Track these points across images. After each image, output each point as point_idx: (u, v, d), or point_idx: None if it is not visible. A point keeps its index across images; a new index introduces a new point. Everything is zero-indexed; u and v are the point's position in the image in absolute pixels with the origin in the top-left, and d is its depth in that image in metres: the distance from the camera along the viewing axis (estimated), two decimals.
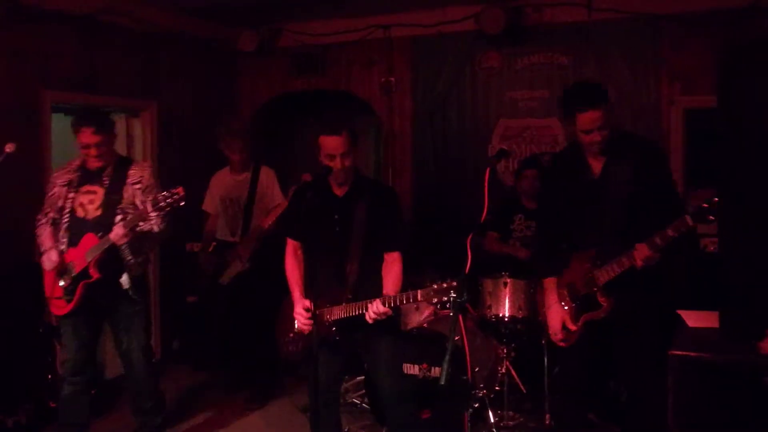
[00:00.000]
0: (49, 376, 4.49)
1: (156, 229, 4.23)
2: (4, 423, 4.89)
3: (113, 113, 6.37)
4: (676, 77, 5.91)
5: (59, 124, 5.67)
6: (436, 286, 3.36)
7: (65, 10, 5.70)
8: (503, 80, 6.60)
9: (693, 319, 3.45)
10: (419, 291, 3.48)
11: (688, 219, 3.27)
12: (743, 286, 3.04)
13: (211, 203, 6.05)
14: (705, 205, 3.23)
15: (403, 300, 3.59)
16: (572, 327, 3.71)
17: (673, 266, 3.65)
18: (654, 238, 3.37)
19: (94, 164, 4.28)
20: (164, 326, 6.86)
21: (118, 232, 4.04)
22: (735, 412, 2.58)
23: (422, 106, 6.98)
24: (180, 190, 3.94)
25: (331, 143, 3.79)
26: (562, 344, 3.82)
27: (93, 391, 4.78)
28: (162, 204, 3.91)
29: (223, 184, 5.99)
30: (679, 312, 3.54)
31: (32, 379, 5.04)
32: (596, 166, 3.70)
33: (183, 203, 3.96)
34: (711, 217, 3.22)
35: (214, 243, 5.96)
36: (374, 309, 3.63)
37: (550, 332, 3.83)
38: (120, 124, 6.52)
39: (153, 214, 4.04)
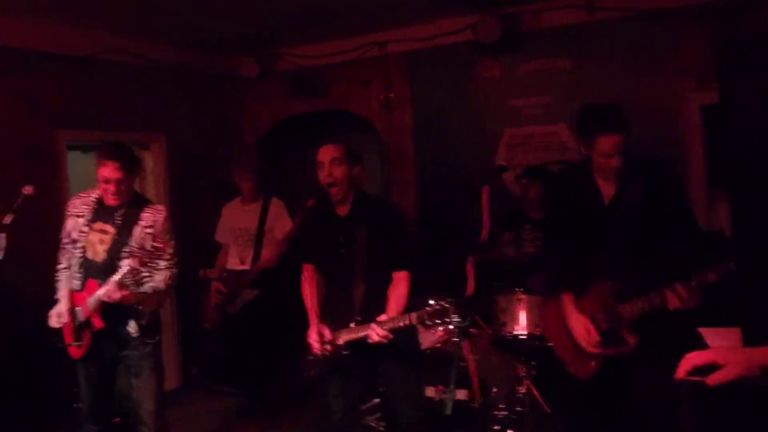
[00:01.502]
0: (77, 406, 4.42)
1: (163, 285, 4.11)
2: None
3: None
4: (686, 73, 5.59)
5: (75, 162, 5.95)
6: (429, 309, 3.29)
7: (66, 52, 5.84)
8: (505, 89, 6.41)
9: (713, 337, 3.26)
10: (414, 314, 3.41)
11: (732, 264, 3.07)
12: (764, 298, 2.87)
13: (223, 234, 6.21)
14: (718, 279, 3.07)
15: (399, 323, 3.52)
16: (596, 337, 3.49)
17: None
18: (690, 282, 3.17)
19: (109, 201, 4.09)
20: (183, 352, 6.97)
21: (108, 292, 3.86)
22: None
23: (423, 121, 6.84)
24: (163, 245, 3.97)
25: (323, 151, 3.77)
26: (580, 376, 3.61)
27: (116, 420, 4.77)
28: (146, 260, 3.89)
29: (233, 214, 6.13)
30: (700, 329, 3.36)
31: (60, 408, 5.01)
32: (607, 190, 3.54)
33: (171, 251, 3.99)
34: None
35: (225, 273, 6.03)
36: (373, 335, 3.55)
37: (582, 341, 3.54)
38: None
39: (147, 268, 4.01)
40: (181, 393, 6.74)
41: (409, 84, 6.87)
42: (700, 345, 3.27)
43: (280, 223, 5.83)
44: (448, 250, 5.86)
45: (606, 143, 3.35)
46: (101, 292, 3.87)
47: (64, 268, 4.22)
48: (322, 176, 3.76)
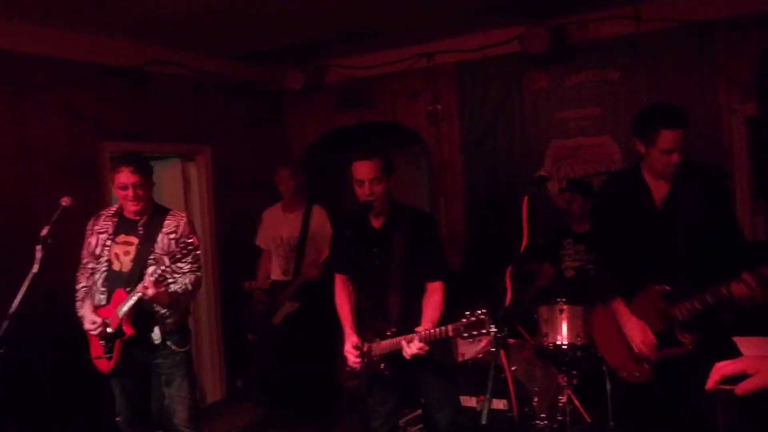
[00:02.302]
0: (117, 419, 4.45)
1: (190, 287, 4.19)
2: None
3: (169, 159, 6.71)
4: (733, 85, 5.62)
5: None
6: (465, 320, 3.34)
7: (114, 64, 5.92)
8: (552, 100, 6.47)
9: (748, 346, 3.27)
10: (450, 326, 3.46)
11: None
12: None
13: (263, 239, 6.19)
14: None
15: (434, 335, 3.58)
16: (653, 349, 3.54)
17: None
18: (749, 277, 3.21)
19: (131, 208, 4.18)
20: (227, 364, 6.99)
21: (146, 287, 3.91)
22: None
23: (471, 132, 6.90)
24: (195, 239, 3.97)
25: (361, 168, 3.81)
26: (632, 379, 3.66)
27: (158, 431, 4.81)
28: (178, 256, 3.90)
29: (274, 221, 6.10)
30: (735, 339, 3.37)
31: (98, 419, 4.98)
32: (658, 193, 3.61)
33: (198, 252, 3.98)
34: None
35: (270, 281, 6.04)
36: (410, 349, 3.61)
37: (638, 346, 3.58)
38: (176, 168, 6.79)
39: (179, 268, 4.08)
40: (224, 405, 6.81)
41: (456, 95, 6.94)
42: (734, 353, 3.28)
43: (323, 232, 5.68)
44: (493, 262, 5.93)
45: (668, 137, 3.43)
46: (138, 289, 3.94)
47: (84, 286, 4.30)
48: (362, 193, 3.83)
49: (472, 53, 6.68)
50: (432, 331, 3.60)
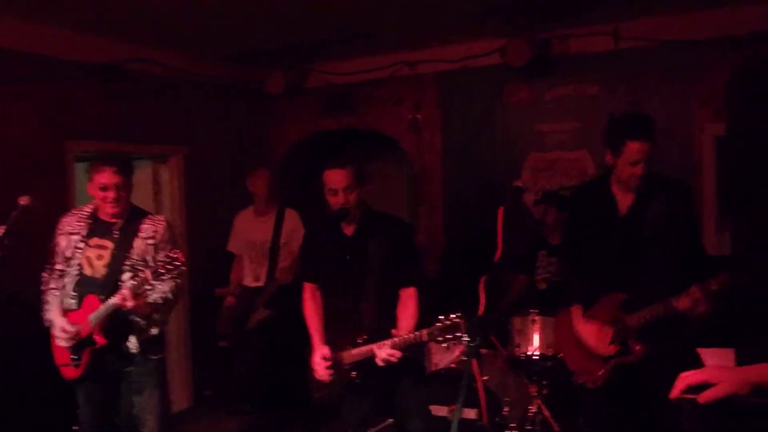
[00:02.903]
0: (75, 428, 4.28)
1: (170, 296, 4.05)
2: None
3: (140, 160, 6.53)
4: (706, 104, 5.80)
5: (84, 175, 5.74)
6: (440, 324, 3.37)
7: (86, 59, 5.80)
8: (532, 113, 6.59)
9: (711, 357, 3.38)
10: (424, 330, 3.49)
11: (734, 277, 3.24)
12: (757, 321, 2.97)
13: (235, 244, 6.16)
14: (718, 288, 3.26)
15: (410, 340, 3.62)
16: (608, 347, 3.67)
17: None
18: (696, 290, 3.35)
19: (110, 210, 4.03)
20: (196, 373, 6.89)
21: (124, 297, 3.76)
22: None
23: (451, 142, 7.00)
24: (179, 255, 3.75)
25: (333, 177, 3.83)
26: (588, 385, 3.77)
27: None
28: (161, 271, 3.71)
29: (246, 225, 6.10)
30: (698, 350, 3.47)
31: (58, 429, 4.92)
32: (624, 202, 3.73)
33: (184, 268, 3.78)
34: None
35: (241, 289, 6.03)
36: (381, 354, 3.65)
37: (593, 344, 3.73)
38: (147, 170, 6.66)
39: (155, 281, 3.83)
40: (192, 414, 6.70)
41: (438, 105, 7.02)
42: (698, 364, 3.38)
43: (297, 236, 5.52)
44: (470, 270, 6.00)
45: (634, 149, 3.54)
46: (116, 299, 3.79)
47: (54, 288, 4.12)
48: (335, 202, 3.86)
49: (454, 63, 6.76)
50: (406, 336, 3.64)
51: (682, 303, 3.41)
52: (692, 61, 5.81)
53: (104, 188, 3.98)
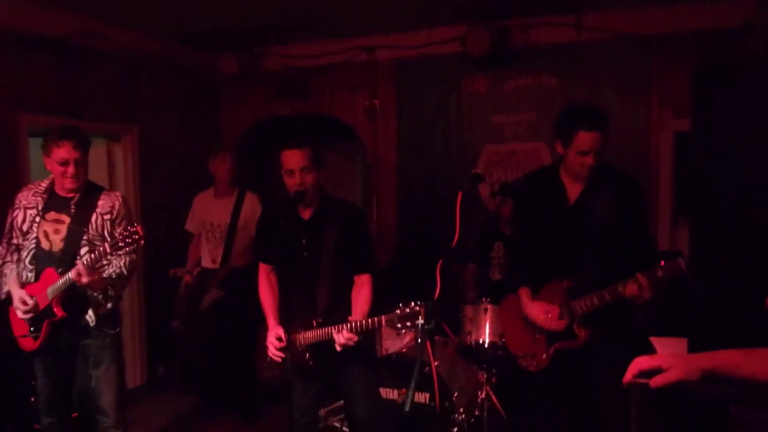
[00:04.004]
0: (32, 399, 4.40)
1: (125, 271, 4.11)
2: None
3: (94, 138, 6.44)
4: (666, 100, 5.90)
5: (38, 150, 5.66)
6: (399, 312, 3.40)
7: (40, 32, 5.68)
8: (489, 104, 6.64)
9: (663, 345, 3.48)
10: (383, 316, 3.52)
11: (681, 262, 3.32)
12: (710, 313, 3.06)
13: (193, 224, 6.16)
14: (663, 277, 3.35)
15: (368, 325, 3.65)
16: (558, 321, 3.74)
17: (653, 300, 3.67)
18: (642, 277, 3.42)
19: (69, 185, 4.04)
20: (149, 352, 6.95)
21: (79, 272, 3.79)
22: None
23: (407, 131, 7.02)
24: (138, 228, 3.72)
25: (291, 157, 3.81)
26: (531, 368, 3.87)
27: (74, 414, 4.73)
28: (120, 244, 3.70)
29: (206, 206, 6.08)
30: (651, 339, 3.57)
31: (16, 401, 5.02)
32: (573, 192, 3.78)
33: (142, 242, 3.75)
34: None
35: (199, 269, 6.03)
36: (340, 338, 3.69)
37: (542, 321, 3.79)
38: (101, 149, 6.62)
39: (113, 254, 3.85)
40: (144, 391, 6.80)
41: (395, 92, 7.03)
42: (650, 352, 3.47)
43: (255, 218, 5.28)
44: (422, 259, 6.05)
45: (584, 139, 3.58)
46: (71, 275, 3.82)
47: (8, 261, 4.20)
48: (292, 184, 3.85)
49: (413, 50, 6.78)
50: (364, 321, 3.68)
51: (629, 289, 3.47)
52: (653, 56, 5.91)
53: (64, 163, 3.97)
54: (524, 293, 3.92)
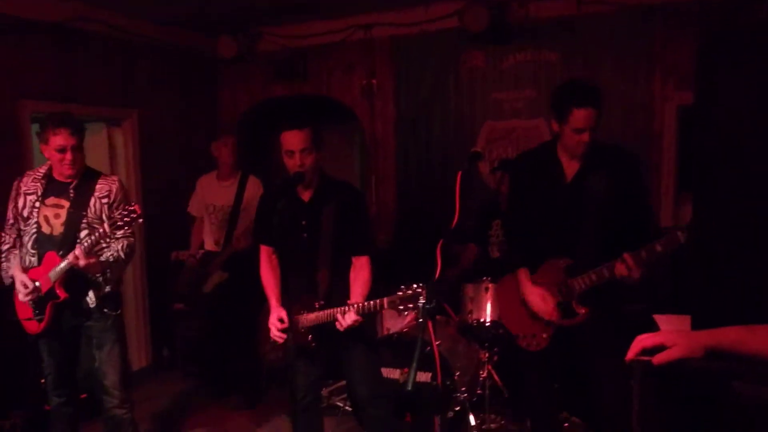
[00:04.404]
0: (42, 381, 4.49)
1: (122, 255, 4.19)
2: (0, 427, 5.06)
3: (94, 122, 6.58)
4: (669, 73, 5.82)
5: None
6: (401, 293, 3.40)
7: (38, 18, 5.70)
8: (488, 80, 6.58)
9: (666, 323, 3.47)
10: (385, 299, 3.52)
11: (680, 236, 3.30)
12: (712, 290, 3.04)
13: (196, 206, 6.21)
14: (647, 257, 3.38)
15: (371, 307, 3.65)
16: (554, 311, 3.75)
17: (654, 277, 3.66)
18: (640, 252, 3.44)
19: (67, 171, 4.11)
20: (154, 333, 7.04)
21: (78, 256, 3.89)
22: (702, 418, 2.57)
23: (405, 110, 6.98)
24: (136, 207, 3.81)
25: (291, 138, 3.80)
26: (532, 348, 3.87)
27: (83, 396, 4.91)
28: (119, 223, 3.79)
29: (209, 189, 6.12)
30: (654, 316, 3.56)
31: (26, 384, 5.17)
32: (570, 170, 3.77)
33: (141, 220, 3.83)
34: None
35: (202, 251, 6.08)
36: (346, 320, 3.70)
37: (542, 313, 3.81)
38: (101, 134, 6.69)
39: (114, 234, 3.92)
40: (149, 373, 6.89)
41: (392, 71, 6.98)
42: (654, 329, 3.47)
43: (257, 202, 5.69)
44: (421, 240, 6.04)
45: (579, 116, 3.57)
46: (70, 258, 3.92)
47: (12, 247, 4.29)
48: (292, 165, 3.84)
49: (410, 27, 6.72)
50: (367, 303, 3.69)
51: (617, 269, 3.50)
52: (656, 28, 5.81)
53: (62, 150, 4.05)
54: (523, 274, 3.92)
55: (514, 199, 4.17)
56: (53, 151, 4.06)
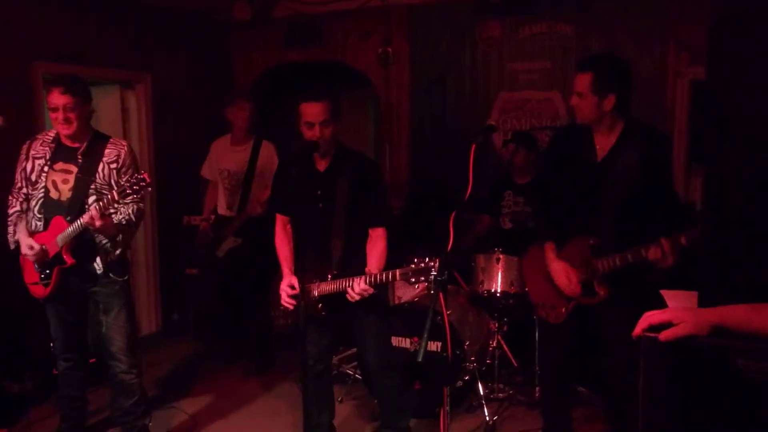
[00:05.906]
0: (51, 344, 4.53)
1: (133, 218, 4.17)
2: (9, 390, 5.13)
3: (108, 85, 6.58)
4: (683, 47, 5.80)
5: None
6: (414, 266, 3.44)
7: None
8: (504, 51, 6.56)
9: (673, 299, 3.50)
10: (398, 270, 3.56)
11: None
12: (720, 267, 3.07)
13: (209, 170, 6.20)
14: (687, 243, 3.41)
15: (383, 279, 3.70)
16: (576, 287, 3.81)
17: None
18: (679, 237, 3.46)
19: (63, 131, 4.07)
20: (164, 298, 7.08)
21: (93, 216, 3.86)
22: (708, 395, 2.62)
23: (420, 78, 6.94)
24: (145, 175, 3.79)
25: (311, 110, 3.82)
26: (550, 320, 3.92)
27: (92, 360, 4.97)
28: (128, 191, 3.77)
29: (223, 154, 6.10)
30: (662, 292, 3.60)
31: (35, 347, 5.22)
32: (602, 148, 3.78)
33: (150, 189, 3.87)
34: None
35: (214, 216, 6.07)
36: (356, 288, 3.74)
37: (562, 285, 3.87)
38: (114, 96, 6.67)
39: (121, 201, 3.92)
40: (159, 338, 6.95)
41: (408, 39, 6.94)
42: (661, 305, 3.52)
43: (271, 168, 5.42)
44: (435, 208, 6.07)
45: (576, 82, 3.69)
46: (85, 219, 3.89)
47: (17, 211, 4.29)
48: (311, 136, 3.85)
49: None
50: (379, 275, 3.73)
51: (652, 253, 3.52)
52: (671, 2, 5.79)
53: (54, 109, 4.02)
54: (549, 248, 3.96)
55: (545, 173, 4.23)
56: (50, 111, 4.06)
